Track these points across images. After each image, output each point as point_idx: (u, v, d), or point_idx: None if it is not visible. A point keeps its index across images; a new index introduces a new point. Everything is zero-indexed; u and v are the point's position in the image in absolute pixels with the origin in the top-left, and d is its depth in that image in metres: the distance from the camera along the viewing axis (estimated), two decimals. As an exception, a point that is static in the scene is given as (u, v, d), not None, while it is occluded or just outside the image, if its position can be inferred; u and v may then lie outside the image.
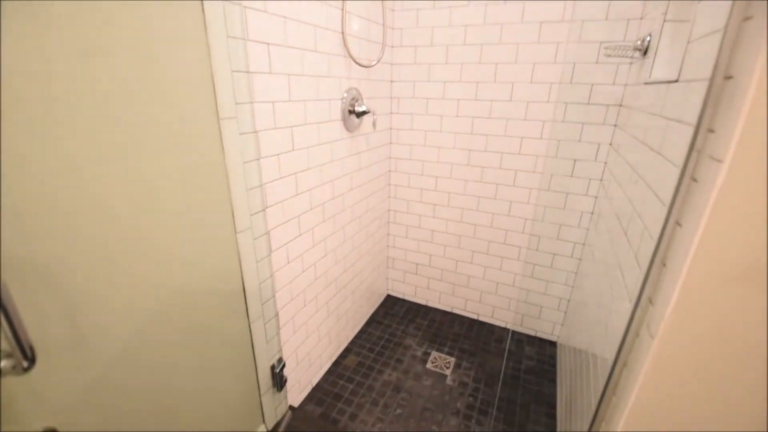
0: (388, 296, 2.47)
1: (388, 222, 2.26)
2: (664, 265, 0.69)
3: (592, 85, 1.55)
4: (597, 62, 1.51)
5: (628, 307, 0.81)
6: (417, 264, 2.29)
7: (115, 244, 0.77)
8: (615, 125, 1.55)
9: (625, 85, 1.49)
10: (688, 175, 0.66)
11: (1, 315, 0.44)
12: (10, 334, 0.45)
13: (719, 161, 0.56)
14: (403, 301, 2.43)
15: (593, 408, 0.92)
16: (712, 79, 0.60)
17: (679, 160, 0.69)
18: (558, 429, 1.50)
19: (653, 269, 0.72)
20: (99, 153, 0.71)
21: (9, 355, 0.51)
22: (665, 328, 0.66)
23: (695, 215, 0.61)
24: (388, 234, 2.30)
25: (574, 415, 1.24)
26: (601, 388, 0.88)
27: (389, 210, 2.23)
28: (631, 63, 1.45)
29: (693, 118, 0.65)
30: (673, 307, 0.64)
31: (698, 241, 0.60)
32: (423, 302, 2.38)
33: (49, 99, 0.62)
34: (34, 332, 0.58)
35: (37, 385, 0.68)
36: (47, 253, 0.65)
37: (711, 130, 0.61)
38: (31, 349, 0.48)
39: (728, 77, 0.58)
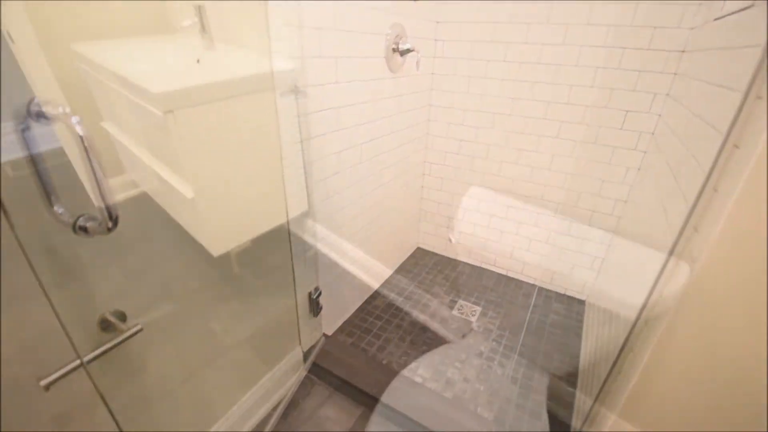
0: (418, 248, 2.52)
1: (423, 174, 2.27)
2: (716, 190, 0.68)
3: (655, 28, 1.44)
4: (662, 1, 1.40)
5: (670, 240, 0.80)
6: (450, 218, 2.31)
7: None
8: (675, 73, 1.45)
9: (692, 28, 1.38)
10: (753, 95, 0.63)
11: (95, 178, 0.51)
12: (100, 195, 0.52)
13: (792, 69, 0.53)
14: (433, 253, 2.47)
15: (621, 341, 0.94)
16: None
17: (743, 85, 0.65)
18: (580, 377, 1.53)
19: (702, 197, 0.71)
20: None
21: (93, 218, 0.58)
22: (709, 251, 0.65)
23: (755, 133, 0.59)
24: (422, 186, 2.31)
25: (600, 357, 1.26)
26: (632, 322, 0.89)
27: (425, 161, 2.23)
28: (699, 4, 1.34)
29: (765, 38, 0.61)
30: (721, 229, 0.63)
31: (755, 162, 0.58)
32: (453, 256, 2.42)
33: None
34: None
35: (108, 270, 0.77)
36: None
37: (787, 42, 0.57)
38: (117, 215, 0.55)
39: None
